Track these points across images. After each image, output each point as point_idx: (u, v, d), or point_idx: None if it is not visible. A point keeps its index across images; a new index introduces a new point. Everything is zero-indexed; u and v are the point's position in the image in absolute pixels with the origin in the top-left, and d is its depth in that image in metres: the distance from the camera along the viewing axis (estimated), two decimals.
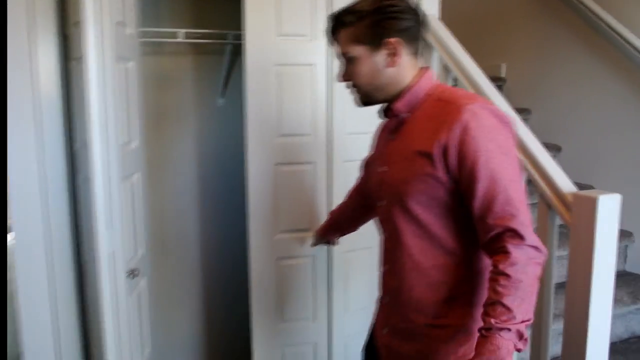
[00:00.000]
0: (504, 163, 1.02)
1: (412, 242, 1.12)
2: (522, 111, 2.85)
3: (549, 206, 1.43)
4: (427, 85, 1.13)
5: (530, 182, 1.50)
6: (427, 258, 1.11)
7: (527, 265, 0.98)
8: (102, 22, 1.34)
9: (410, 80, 1.14)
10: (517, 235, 0.99)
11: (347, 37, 1.12)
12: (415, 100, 1.13)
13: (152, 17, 2.08)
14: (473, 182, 1.01)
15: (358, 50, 1.11)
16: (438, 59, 1.89)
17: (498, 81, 3.04)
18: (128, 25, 1.56)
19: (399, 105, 1.14)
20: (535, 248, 1.00)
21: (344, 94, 1.51)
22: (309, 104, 1.81)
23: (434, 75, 1.22)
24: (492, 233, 1.01)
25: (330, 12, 1.26)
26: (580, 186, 1.47)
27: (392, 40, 1.08)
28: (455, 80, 1.80)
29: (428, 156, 1.04)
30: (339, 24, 1.13)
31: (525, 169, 1.49)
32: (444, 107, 1.07)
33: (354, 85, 1.17)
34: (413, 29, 1.11)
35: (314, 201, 1.84)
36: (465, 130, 1.01)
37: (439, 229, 1.09)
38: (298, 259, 1.85)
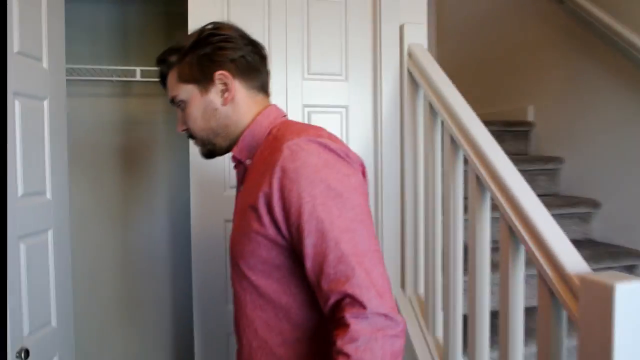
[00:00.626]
0: (334, 209, 0.80)
1: (254, 314, 0.91)
2: (552, 160, 2.44)
3: (551, 293, 1.04)
4: (266, 123, 0.96)
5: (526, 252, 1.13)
6: (274, 334, 0.90)
7: (372, 340, 0.75)
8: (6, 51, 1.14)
9: (250, 119, 0.97)
10: (356, 302, 0.76)
11: (173, 79, 0.98)
12: (254, 142, 0.96)
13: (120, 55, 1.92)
14: (301, 238, 0.81)
15: (187, 91, 0.96)
16: (423, 98, 1.57)
17: (524, 126, 2.66)
18: (45, 59, 1.36)
19: (237, 150, 0.98)
20: (384, 316, 0.77)
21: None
22: None
23: (280, 111, 1.01)
24: (330, 301, 0.80)
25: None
26: (626, 252, 1.07)
27: (222, 72, 0.94)
28: (442, 124, 1.47)
29: (255, 210, 0.86)
30: (164, 66, 0.99)
31: (516, 233, 1.12)
32: (273, 147, 0.88)
33: (192, 135, 1.01)
34: (247, 58, 0.96)
35: None
36: (284, 173, 0.82)
37: (283, 298, 0.88)
38: None
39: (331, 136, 0.90)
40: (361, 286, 0.77)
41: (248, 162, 0.97)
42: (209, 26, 0.98)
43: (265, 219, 0.84)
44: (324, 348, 0.87)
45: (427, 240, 1.58)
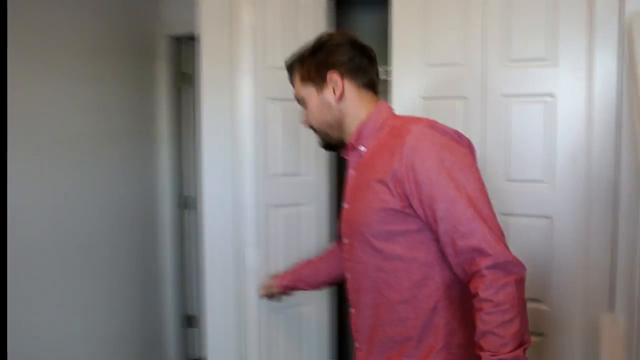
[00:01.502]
0: (460, 181, 0.95)
1: (378, 276, 1.06)
2: None
3: None
4: (382, 116, 1.11)
5: None
6: (395, 292, 1.04)
7: (507, 284, 0.90)
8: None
9: (365, 114, 1.12)
10: (488, 255, 0.91)
11: (297, 81, 1.18)
12: (370, 133, 1.11)
13: None
14: (432, 205, 0.96)
15: (307, 90, 1.16)
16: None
17: None
18: None
19: (354, 139, 1.13)
20: (509, 262, 0.92)
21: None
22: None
23: (389, 107, 1.17)
24: (461, 257, 0.95)
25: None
26: None
27: (333, 73, 1.11)
28: None
29: (384, 185, 1.01)
30: (290, 70, 1.20)
31: None
32: (395, 134, 1.04)
33: (313, 128, 1.20)
34: (354, 61, 1.12)
35: None
36: (414, 152, 0.98)
37: (404, 259, 1.03)
38: None
39: (439, 123, 1.05)
40: (489, 241, 0.92)
41: (362, 149, 1.12)
42: (324, 36, 1.17)
43: (395, 192, 0.99)
44: (436, 304, 1.01)
45: None
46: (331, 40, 1.14)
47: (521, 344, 0.90)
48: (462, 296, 1.03)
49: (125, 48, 2.57)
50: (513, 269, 0.92)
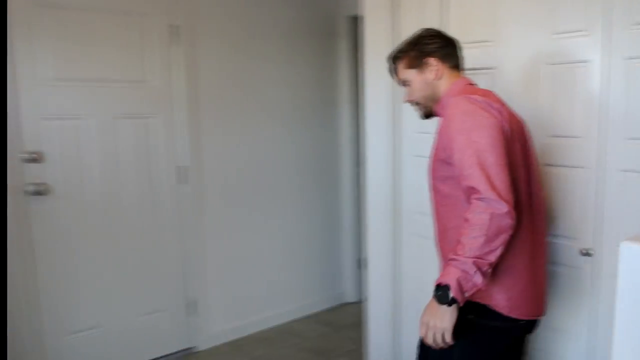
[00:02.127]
0: (472, 137, 1.22)
1: (442, 209, 1.41)
2: None
3: None
4: (455, 90, 1.41)
5: None
6: (451, 220, 1.37)
7: (483, 212, 1.17)
8: None
9: (445, 89, 1.43)
10: (477, 191, 1.18)
11: (401, 68, 1.49)
12: (445, 103, 1.40)
13: None
14: (452, 156, 1.26)
15: (410, 74, 1.47)
16: None
17: None
18: None
19: (437, 108, 1.46)
20: (493, 200, 1.16)
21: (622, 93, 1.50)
22: (580, 104, 1.61)
23: (463, 82, 1.43)
24: (466, 194, 1.24)
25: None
26: None
27: (431, 59, 1.43)
28: None
29: (439, 142, 1.37)
30: (394, 60, 1.51)
31: None
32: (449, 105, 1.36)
33: (416, 103, 1.50)
34: (445, 49, 1.45)
35: (582, 209, 1.63)
36: (448, 118, 1.31)
37: (452, 196, 1.35)
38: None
39: (488, 94, 1.34)
40: (481, 182, 1.18)
41: (441, 115, 1.43)
42: (420, 31, 1.48)
43: (441, 147, 1.34)
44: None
45: None
46: (427, 34, 1.47)
47: (477, 257, 1.16)
48: None
49: (311, 31, 3.10)
50: (495, 205, 1.16)
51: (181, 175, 2.67)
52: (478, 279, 1.17)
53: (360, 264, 3.43)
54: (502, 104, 1.34)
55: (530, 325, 1.42)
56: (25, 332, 2.24)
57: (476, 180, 1.19)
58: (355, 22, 3.18)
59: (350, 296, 3.46)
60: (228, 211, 2.84)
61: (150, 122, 2.55)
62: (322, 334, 3.02)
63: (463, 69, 1.49)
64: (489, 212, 1.16)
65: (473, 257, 1.16)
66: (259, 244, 2.98)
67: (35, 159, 2.23)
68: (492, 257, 1.18)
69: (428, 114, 1.51)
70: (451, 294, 1.18)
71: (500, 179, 1.19)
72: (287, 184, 3.09)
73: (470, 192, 1.20)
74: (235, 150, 2.84)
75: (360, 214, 3.35)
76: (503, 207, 1.16)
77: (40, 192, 2.24)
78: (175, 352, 2.73)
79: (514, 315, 1.32)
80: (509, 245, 1.22)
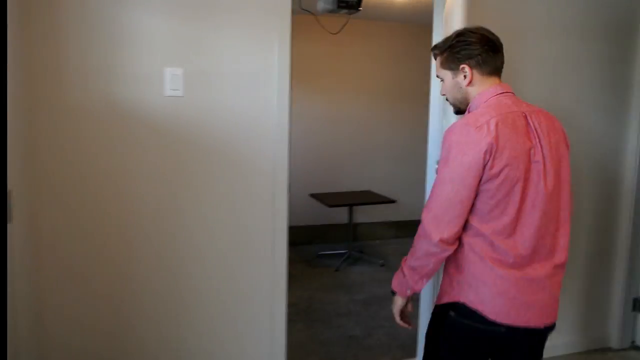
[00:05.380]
0: (445, 169, 1.35)
1: None
2: None
3: None
4: (480, 100, 1.43)
5: None
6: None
7: (418, 238, 1.42)
8: None
9: (475, 95, 1.45)
10: (424, 214, 1.40)
11: (438, 64, 1.51)
12: (470, 108, 1.46)
13: None
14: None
15: (444, 73, 1.49)
16: None
17: None
18: None
19: (467, 110, 1.51)
20: (426, 228, 1.38)
21: None
22: None
23: (491, 93, 1.42)
24: None
25: None
26: None
27: (464, 65, 1.43)
28: None
29: None
30: (434, 54, 1.54)
31: None
32: None
33: (447, 99, 1.55)
34: (482, 55, 1.41)
35: None
36: (443, 141, 1.39)
37: None
38: None
39: (506, 108, 1.37)
40: (427, 212, 1.39)
41: None
42: (461, 32, 1.45)
43: None
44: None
45: None
46: (465, 37, 1.42)
47: (410, 268, 1.45)
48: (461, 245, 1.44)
49: (602, 28, 2.69)
50: (424, 231, 1.39)
51: None
52: (412, 283, 1.46)
53: (636, 304, 2.94)
54: (513, 125, 1.34)
55: (524, 336, 1.43)
56: None
57: (426, 210, 1.40)
58: None
59: (615, 341, 2.93)
60: None
61: None
62: None
63: (500, 72, 1.46)
64: (421, 238, 1.40)
65: (408, 267, 1.46)
66: None
67: None
68: (423, 271, 1.43)
69: (460, 112, 1.54)
70: (391, 287, 1.53)
71: (446, 213, 1.35)
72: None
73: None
74: None
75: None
76: (432, 239, 1.36)
77: None
78: None
79: (492, 317, 1.37)
80: (470, 258, 1.40)
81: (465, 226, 1.38)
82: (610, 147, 2.80)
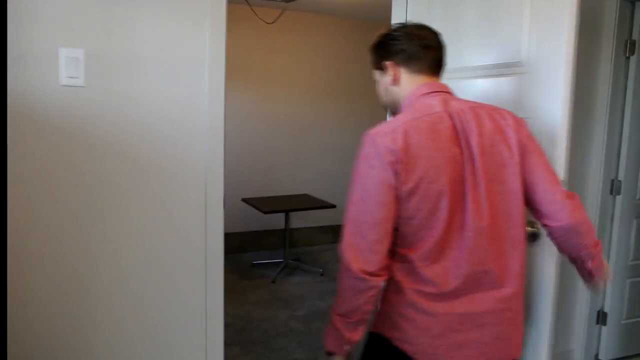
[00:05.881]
0: (354, 187, 1.17)
1: None
2: None
3: None
4: (407, 101, 1.25)
5: None
6: None
7: (340, 274, 1.17)
8: None
9: (404, 96, 1.27)
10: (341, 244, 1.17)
11: (371, 64, 1.35)
12: (399, 113, 1.27)
13: None
14: None
15: (376, 74, 1.34)
16: None
17: None
18: None
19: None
20: (347, 262, 1.13)
21: None
22: None
23: (419, 92, 1.25)
24: None
25: None
26: None
27: (388, 63, 1.27)
28: None
29: None
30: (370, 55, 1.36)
31: None
32: None
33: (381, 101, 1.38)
34: (407, 51, 1.25)
35: None
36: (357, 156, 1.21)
37: None
38: None
39: (388, 126, 1.16)
40: (343, 240, 1.15)
41: None
42: (386, 29, 1.31)
43: None
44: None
45: None
46: (390, 34, 1.28)
47: (339, 312, 1.18)
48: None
49: None
50: (345, 265, 1.14)
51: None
52: (348, 335, 1.18)
53: (599, 317, 2.82)
54: (431, 129, 1.15)
55: None
56: None
57: (342, 237, 1.16)
58: (630, 7, 2.58)
59: (578, 357, 2.81)
60: None
61: None
62: None
63: (436, 71, 1.27)
64: (343, 272, 1.15)
65: (338, 316, 1.20)
66: None
67: None
68: (356, 315, 1.17)
69: (392, 114, 1.36)
70: (326, 348, 1.24)
71: (362, 239, 1.14)
72: None
73: None
74: None
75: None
76: (352, 271, 1.13)
77: None
78: None
79: (417, 358, 1.18)
80: (389, 289, 1.21)
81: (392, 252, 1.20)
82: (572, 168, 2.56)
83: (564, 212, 1.21)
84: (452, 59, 1.39)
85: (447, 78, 1.32)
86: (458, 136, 1.16)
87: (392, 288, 1.20)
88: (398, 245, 1.19)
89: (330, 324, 1.21)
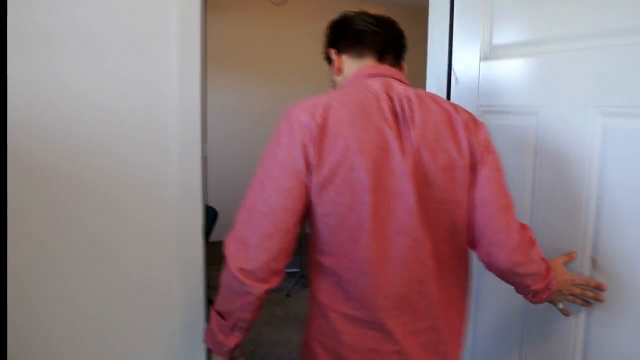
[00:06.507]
0: (258, 168, 1.00)
1: None
2: None
3: None
4: (346, 83, 1.12)
5: None
6: None
7: (225, 265, 0.98)
8: None
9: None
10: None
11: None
12: None
13: None
14: None
15: (328, 67, 1.22)
16: None
17: None
18: None
19: None
20: (226, 255, 0.98)
21: None
22: None
23: (356, 77, 1.10)
24: None
25: None
26: None
27: (329, 51, 1.18)
28: None
29: None
30: None
31: None
32: None
33: None
34: (348, 37, 1.14)
35: None
36: None
37: None
38: None
39: (310, 101, 1.00)
40: (230, 229, 0.98)
41: None
42: (331, 20, 1.18)
43: None
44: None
45: None
46: (332, 22, 1.19)
47: (217, 310, 1.04)
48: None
49: None
50: (227, 261, 0.97)
51: None
52: (220, 337, 1.04)
53: None
54: (360, 107, 0.99)
55: None
56: None
57: (234, 221, 1.00)
58: None
59: None
60: None
61: None
62: None
63: (384, 57, 1.13)
64: (225, 268, 0.98)
65: (215, 312, 1.05)
66: None
67: None
68: (232, 318, 1.02)
69: None
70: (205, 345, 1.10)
71: (251, 230, 0.96)
72: None
73: None
74: None
75: None
76: (230, 268, 0.96)
77: None
78: None
79: None
80: (311, 306, 1.08)
81: (309, 258, 1.07)
82: None
83: (504, 249, 1.02)
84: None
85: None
86: (397, 121, 0.99)
87: (314, 306, 1.08)
88: (317, 251, 1.04)
89: (210, 318, 1.08)
